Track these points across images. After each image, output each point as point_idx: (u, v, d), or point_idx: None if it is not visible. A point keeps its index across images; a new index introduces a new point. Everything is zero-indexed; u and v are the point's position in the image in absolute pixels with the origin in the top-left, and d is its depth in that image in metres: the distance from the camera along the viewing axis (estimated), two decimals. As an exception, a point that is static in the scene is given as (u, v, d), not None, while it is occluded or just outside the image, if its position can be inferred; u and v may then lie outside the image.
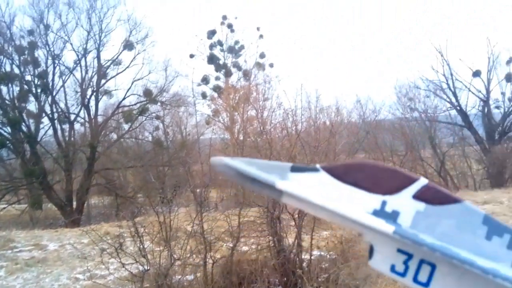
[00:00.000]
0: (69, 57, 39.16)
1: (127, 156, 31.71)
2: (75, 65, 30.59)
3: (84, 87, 30.54)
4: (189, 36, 53.89)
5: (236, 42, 40.92)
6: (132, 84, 31.67)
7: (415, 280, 1.36)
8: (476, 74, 32.53)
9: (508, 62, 32.34)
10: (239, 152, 20.92)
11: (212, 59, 40.73)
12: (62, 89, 30.32)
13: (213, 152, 19.75)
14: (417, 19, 66.02)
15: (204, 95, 39.54)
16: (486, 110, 32.31)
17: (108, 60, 31.13)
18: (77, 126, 31.56)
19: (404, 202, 1.41)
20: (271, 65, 39.80)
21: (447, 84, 32.42)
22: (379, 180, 1.43)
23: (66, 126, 30.52)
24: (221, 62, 41.02)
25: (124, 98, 31.82)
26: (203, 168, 15.15)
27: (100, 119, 31.64)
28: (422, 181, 1.44)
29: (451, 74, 32.29)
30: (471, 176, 31.79)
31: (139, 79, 31.79)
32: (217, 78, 40.60)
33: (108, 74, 31.60)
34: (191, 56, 40.23)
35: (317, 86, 42.35)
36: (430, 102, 33.48)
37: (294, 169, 1.44)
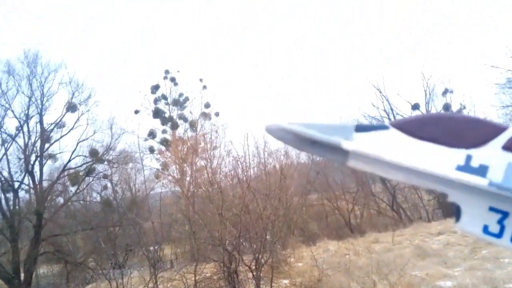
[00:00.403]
0: (10, 124, 38.07)
1: (76, 220, 30.67)
2: (17, 132, 29.81)
3: (27, 153, 29.70)
4: (133, 92, 53.80)
5: (181, 95, 41.61)
6: (77, 145, 31.15)
7: None
8: (415, 107, 34.57)
9: (443, 93, 34.90)
10: (190, 204, 21.01)
11: (157, 113, 41.04)
12: (4, 157, 29.38)
13: (164, 206, 19.70)
14: (417, 19, 67.99)
15: (151, 149, 39.46)
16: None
17: (51, 124, 30.62)
18: (21, 193, 30.30)
19: (493, 155, 1.27)
20: (217, 114, 40.61)
21: (388, 118, 34.19)
22: (460, 132, 1.32)
23: (10, 195, 29.34)
24: (166, 115, 41.39)
25: (69, 160, 31.15)
26: (155, 225, 15.16)
27: (45, 183, 30.64)
28: None
29: (391, 109, 34.35)
30: (423, 207, 33.08)
31: (84, 140, 31.35)
32: (164, 131, 40.81)
33: (52, 137, 30.98)
34: (136, 112, 40.36)
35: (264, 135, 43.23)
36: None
37: (359, 129, 1.37)
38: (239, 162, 15.21)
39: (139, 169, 33.40)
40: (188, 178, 30.89)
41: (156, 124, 40.73)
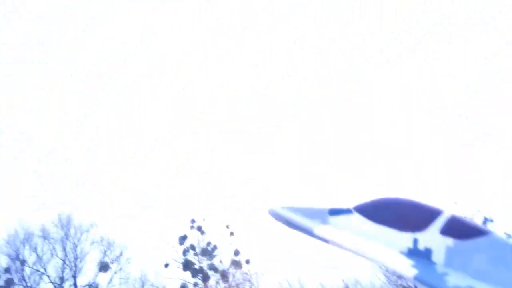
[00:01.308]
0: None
1: None
2: (52, 298, 29.73)
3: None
4: (161, 243, 52.98)
5: (208, 244, 41.46)
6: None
7: None
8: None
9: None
10: None
11: (187, 265, 40.52)
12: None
13: None
14: (417, 19, 66.64)
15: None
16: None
17: (85, 286, 30.52)
18: None
19: (433, 239, 1.49)
20: (248, 262, 39.93)
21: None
22: (406, 216, 1.58)
23: None
24: (196, 266, 40.79)
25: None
26: None
27: None
28: (446, 214, 1.51)
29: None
30: None
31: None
32: (196, 285, 39.78)
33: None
34: (166, 265, 39.97)
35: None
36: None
37: (331, 212, 1.73)
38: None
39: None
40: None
41: (187, 276, 39.96)
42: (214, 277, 40.52)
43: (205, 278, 40.02)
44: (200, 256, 41.67)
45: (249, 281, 33.16)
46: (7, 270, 30.04)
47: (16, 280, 29.51)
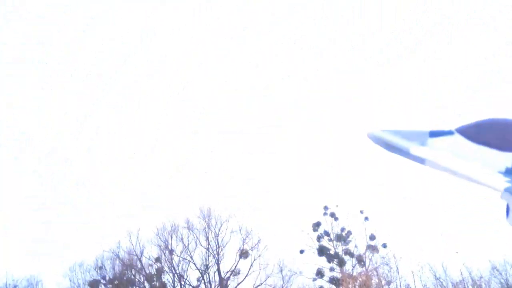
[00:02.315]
0: (192, 276, 41.41)
1: None
2: (198, 283, 32.22)
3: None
4: (294, 229, 53.60)
5: (343, 229, 41.00)
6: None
7: None
8: None
9: None
10: None
11: (322, 251, 40.56)
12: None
13: None
14: (417, 19, 62.01)
15: (322, 290, 38.32)
16: None
17: (228, 272, 32.45)
18: None
19: None
20: (384, 245, 38.53)
21: None
22: (509, 136, 1.52)
23: None
24: (331, 252, 40.62)
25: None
26: None
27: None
28: None
29: None
30: None
31: (259, 286, 32.24)
32: (332, 269, 39.66)
33: (229, 285, 32.56)
34: (301, 252, 40.48)
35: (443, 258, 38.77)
36: None
37: (432, 134, 1.66)
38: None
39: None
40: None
41: (323, 262, 40.00)
42: (350, 262, 39.95)
43: (341, 263, 39.63)
44: (334, 241, 41.43)
45: (387, 264, 31.86)
46: (157, 259, 33.33)
47: (166, 268, 32.67)
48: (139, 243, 35.53)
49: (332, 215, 41.70)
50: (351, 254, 39.95)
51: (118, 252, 33.40)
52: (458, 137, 1.58)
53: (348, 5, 65.44)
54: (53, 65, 59.09)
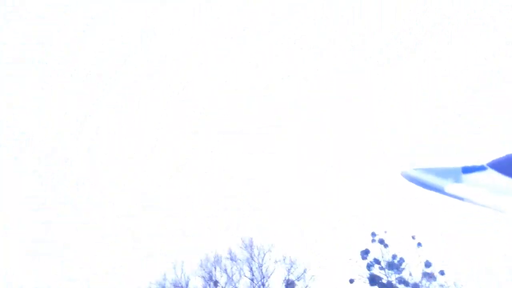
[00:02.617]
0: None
1: None
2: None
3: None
4: (341, 256, 51.64)
5: (394, 256, 38.87)
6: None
7: None
8: None
9: None
10: None
11: (373, 280, 38.46)
12: None
13: None
14: (417, 19, 59.20)
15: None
16: None
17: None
18: None
19: None
20: (442, 273, 36.06)
21: None
22: None
23: None
24: (384, 281, 38.44)
25: None
26: None
27: None
28: None
29: None
30: None
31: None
32: (386, 300, 37.42)
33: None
34: (351, 281, 38.60)
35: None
36: None
37: (465, 170, 1.62)
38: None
39: None
40: None
41: (375, 291, 37.89)
42: (405, 291, 37.61)
43: (396, 293, 37.39)
44: (386, 270, 39.28)
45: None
46: (202, 291, 32.84)
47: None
48: (183, 274, 35.52)
49: (381, 241, 39.73)
50: (406, 283, 37.63)
51: (164, 284, 33.51)
52: (491, 172, 1.69)
53: (348, 5, 66.62)
54: (53, 65, 61.47)
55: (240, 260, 33.47)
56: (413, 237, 38.58)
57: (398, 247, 39.33)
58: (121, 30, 64.00)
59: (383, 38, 63.60)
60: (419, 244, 38.24)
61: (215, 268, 33.02)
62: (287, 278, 32.67)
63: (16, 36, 59.96)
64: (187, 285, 32.51)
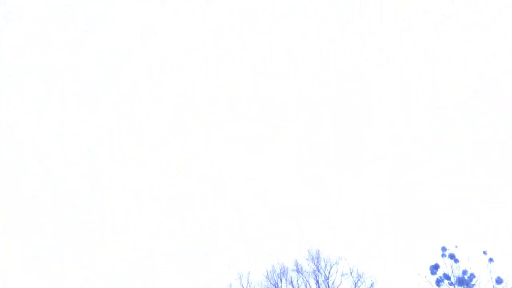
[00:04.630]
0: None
1: None
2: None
3: None
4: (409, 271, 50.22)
5: (465, 272, 38.36)
6: None
7: None
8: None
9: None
10: None
11: (443, 296, 38.16)
12: None
13: None
14: (417, 19, 61.68)
15: None
16: None
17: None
18: None
19: None
20: (514, 291, 35.67)
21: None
22: None
23: None
24: (454, 297, 38.11)
25: None
26: None
27: None
28: None
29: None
30: None
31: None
32: (458, 316, 37.18)
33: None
34: (420, 297, 38.30)
35: None
36: None
37: None
38: None
39: None
40: None
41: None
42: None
43: (468, 309, 37.08)
44: (456, 285, 38.78)
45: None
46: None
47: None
48: (249, 285, 35.77)
49: (452, 256, 39.19)
50: (476, 300, 37.26)
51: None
52: None
53: (348, 5, 68.45)
54: (53, 65, 61.42)
55: (306, 272, 33.61)
56: (484, 252, 37.97)
57: (469, 262, 38.78)
58: (121, 30, 64.63)
59: (383, 38, 65.01)
60: (490, 260, 37.62)
61: (280, 279, 33.14)
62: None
63: (16, 36, 60.36)
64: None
